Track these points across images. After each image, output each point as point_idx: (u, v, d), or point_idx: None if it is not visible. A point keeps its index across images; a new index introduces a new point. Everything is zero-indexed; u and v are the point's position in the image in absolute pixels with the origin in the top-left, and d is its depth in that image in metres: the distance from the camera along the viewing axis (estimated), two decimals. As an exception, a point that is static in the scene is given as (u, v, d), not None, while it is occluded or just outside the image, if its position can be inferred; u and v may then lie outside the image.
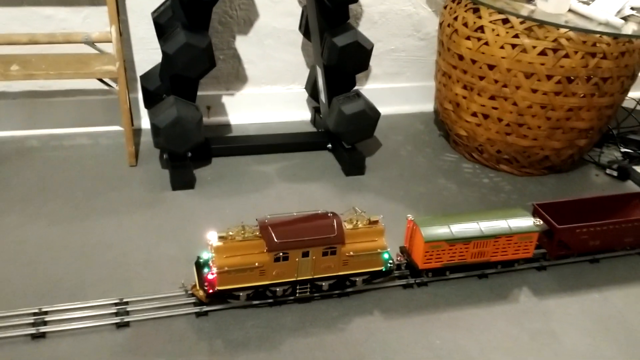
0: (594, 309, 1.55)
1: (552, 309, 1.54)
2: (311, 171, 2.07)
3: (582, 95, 1.87)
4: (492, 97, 1.94)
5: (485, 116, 1.99)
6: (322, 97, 2.09)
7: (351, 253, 1.45)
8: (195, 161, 2.00)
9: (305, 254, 1.41)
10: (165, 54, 1.77)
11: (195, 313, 1.44)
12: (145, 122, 2.21)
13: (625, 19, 1.81)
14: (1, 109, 2.08)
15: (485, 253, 1.56)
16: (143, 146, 2.11)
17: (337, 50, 1.89)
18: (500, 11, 1.83)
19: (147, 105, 2.09)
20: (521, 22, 1.81)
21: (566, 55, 1.80)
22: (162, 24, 1.92)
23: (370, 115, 1.99)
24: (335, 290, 1.51)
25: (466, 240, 1.53)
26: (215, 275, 1.38)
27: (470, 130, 2.06)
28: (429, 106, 2.53)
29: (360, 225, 1.47)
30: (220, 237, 1.39)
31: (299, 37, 2.25)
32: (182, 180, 1.90)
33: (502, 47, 1.85)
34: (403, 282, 1.57)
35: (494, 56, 1.87)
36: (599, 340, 1.46)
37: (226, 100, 2.30)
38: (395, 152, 2.22)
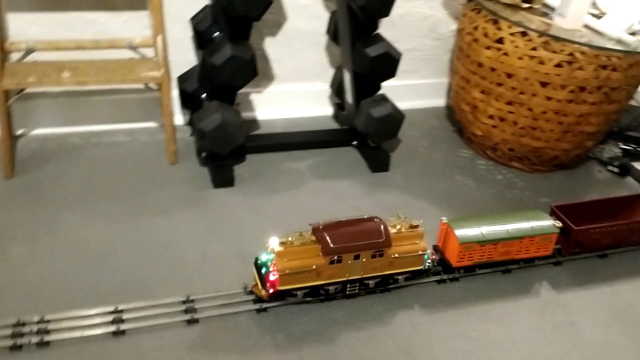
0: (605, 301, 1.74)
1: (569, 301, 1.73)
2: (340, 168, 2.21)
3: (592, 102, 2.04)
4: (509, 103, 2.10)
5: (502, 119, 2.15)
6: (349, 98, 2.23)
7: (396, 255, 1.61)
8: (231, 158, 2.10)
9: (357, 257, 1.57)
10: (212, 65, 1.88)
11: (256, 309, 1.58)
12: (179, 119, 2.33)
13: (634, 33, 1.97)
14: (43, 107, 2.17)
15: (511, 252, 1.74)
16: (180, 143, 2.20)
17: (369, 60, 2.01)
18: (519, 25, 1.97)
19: (184, 105, 2.21)
20: (539, 36, 1.96)
21: (580, 68, 1.95)
22: (202, 31, 2.04)
23: (396, 118, 2.13)
24: (379, 287, 1.68)
25: (495, 241, 1.70)
26: (276, 276, 1.54)
27: (486, 130, 2.22)
28: (440, 101, 2.68)
29: (403, 230, 1.64)
30: (281, 243, 1.55)
31: (324, 38, 2.37)
32: (223, 178, 2.03)
33: (520, 58, 2.00)
34: (437, 278, 1.74)
35: (512, 66, 2.03)
36: (613, 330, 1.65)
37: (254, 97, 2.42)
38: (413, 149, 2.38)
